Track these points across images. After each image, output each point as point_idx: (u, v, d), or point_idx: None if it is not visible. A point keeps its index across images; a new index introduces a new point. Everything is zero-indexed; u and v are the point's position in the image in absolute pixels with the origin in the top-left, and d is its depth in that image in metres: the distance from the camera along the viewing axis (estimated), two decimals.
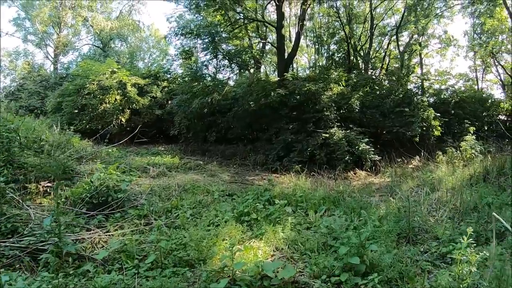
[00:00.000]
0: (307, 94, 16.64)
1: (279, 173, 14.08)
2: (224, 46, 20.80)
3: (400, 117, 17.18)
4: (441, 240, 6.23)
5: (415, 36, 27.37)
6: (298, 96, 16.81)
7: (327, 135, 15.22)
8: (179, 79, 25.30)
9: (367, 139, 15.45)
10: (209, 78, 20.61)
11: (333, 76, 18.70)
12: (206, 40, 18.22)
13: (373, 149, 15.15)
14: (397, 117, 17.24)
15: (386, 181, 12.85)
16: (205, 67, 19.93)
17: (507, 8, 22.55)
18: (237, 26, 21.20)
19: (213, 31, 18.14)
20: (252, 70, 23.49)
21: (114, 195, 8.12)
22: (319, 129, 15.73)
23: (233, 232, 6.66)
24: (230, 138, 19.83)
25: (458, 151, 15.21)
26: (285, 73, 18.26)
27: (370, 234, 6.01)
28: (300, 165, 14.26)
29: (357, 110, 17.04)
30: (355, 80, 19.72)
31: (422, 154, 15.79)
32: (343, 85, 18.48)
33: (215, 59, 20.28)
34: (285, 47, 21.20)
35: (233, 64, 21.09)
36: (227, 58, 20.41)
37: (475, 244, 4.71)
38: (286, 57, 20.59)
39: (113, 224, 7.25)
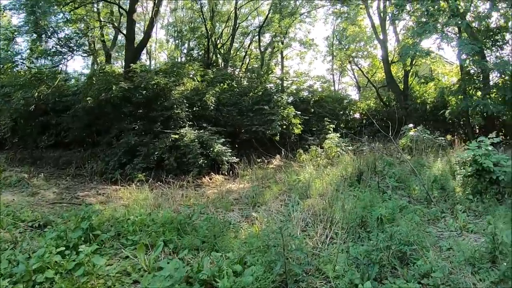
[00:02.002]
0: (155, 89, 13.95)
1: (121, 184, 11.03)
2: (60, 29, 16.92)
3: (259, 115, 15.60)
4: (333, 285, 4.31)
5: (278, 37, 26.68)
6: (144, 91, 13.93)
7: (176, 136, 12.69)
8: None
9: (223, 139, 13.47)
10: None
11: (187, 70, 16.32)
12: (25, 15, 13.98)
13: (230, 150, 13.19)
14: (256, 115, 15.64)
15: (246, 186, 10.71)
16: (30, 52, 15.65)
17: (370, 17, 23.14)
18: (78, 5, 17.47)
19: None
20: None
21: None
22: (168, 129, 13.12)
23: None
24: (67, 143, 16.01)
25: (321, 149, 14.20)
26: (131, 64, 15.26)
27: None
28: (145, 173, 11.60)
29: (212, 107, 14.84)
30: (212, 76, 17.65)
31: (283, 153, 14.42)
32: (198, 81, 16.19)
33: (43, 42, 16.18)
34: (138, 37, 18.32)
35: (70, 51, 17.23)
36: (58, 41, 16.52)
37: None
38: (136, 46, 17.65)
39: None
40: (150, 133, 13.32)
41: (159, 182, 10.73)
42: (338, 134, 14.84)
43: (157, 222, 6.40)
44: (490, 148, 8.22)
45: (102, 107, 14.13)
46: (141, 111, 14.13)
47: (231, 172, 12.72)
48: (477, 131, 17.80)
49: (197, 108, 14.67)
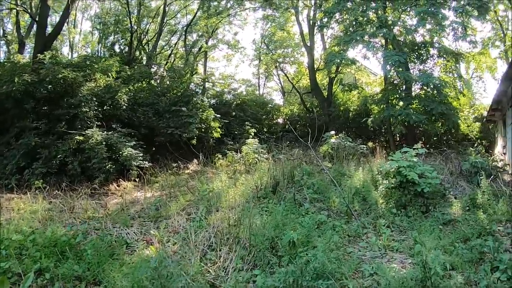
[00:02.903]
0: (63, 84, 12.51)
1: (16, 192, 9.57)
2: None
3: (176, 117, 14.79)
4: None
5: (204, 36, 25.92)
6: (50, 86, 12.41)
7: (82, 138, 11.46)
8: None
9: (135, 142, 12.49)
10: None
11: (102, 64, 15.02)
12: None
13: (141, 154, 12.18)
14: (173, 117, 14.82)
15: (154, 195, 9.83)
16: None
17: (299, 24, 23.66)
18: None
19: None
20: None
21: None
22: (73, 130, 11.81)
23: None
24: None
25: (239, 154, 13.65)
26: (38, 54, 13.76)
27: None
28: (45, 179, 10.29)
29: (125, 107, 13.72)
30: (129, 73, 16.50)
31: (201, 157, 13.78)
32: (113, 77, 14.99)
33: None
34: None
35: None
36: None
37: None
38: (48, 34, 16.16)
39: None
40: (53, 133, 11.92)
41: (57, 191, 9.45)
42: (257, 140, 14.44)
43: (39, 243, 5.52)
44: (415, 159, 8.09)
45: (2, 102, 12.51)
46: (45, 108, 12.59)
47: (142, 178, 11.57)
48: (398, 138, 18.52)
49: (108, 107, 13.47)
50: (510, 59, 23.12)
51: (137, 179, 11.64)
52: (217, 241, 5.80)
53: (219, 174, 11.16)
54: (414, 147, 8.66)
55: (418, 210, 7.45)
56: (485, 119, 19.82)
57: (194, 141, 14.66)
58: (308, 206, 7.78)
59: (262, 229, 6.02)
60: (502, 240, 5.84)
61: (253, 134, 16.59)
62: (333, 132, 14.51)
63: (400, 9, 16.92)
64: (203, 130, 15.28)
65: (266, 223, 6.32)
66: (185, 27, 25.91)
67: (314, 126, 19.14)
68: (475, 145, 14.70)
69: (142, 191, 10.53)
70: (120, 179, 11.50)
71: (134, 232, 6.78)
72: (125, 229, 6.88)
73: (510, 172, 12.03)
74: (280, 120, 23.52)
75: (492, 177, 9.57)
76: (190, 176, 12.32)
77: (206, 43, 26.33)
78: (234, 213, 6.95)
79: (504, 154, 14.84)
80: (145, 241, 6.23)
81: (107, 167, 11.19)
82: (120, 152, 11.66)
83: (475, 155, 12.24)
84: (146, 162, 12.22)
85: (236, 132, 17.61)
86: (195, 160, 14.10)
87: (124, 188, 11.05)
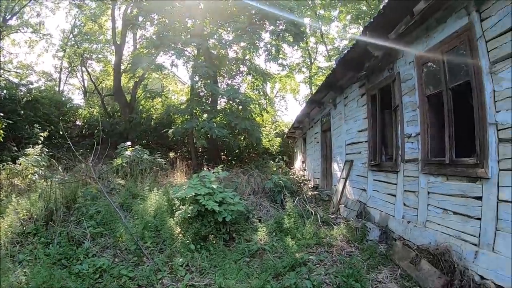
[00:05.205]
0: None
1: None
2: None
3: None
4: None
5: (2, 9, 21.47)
6: None
7: None
8: None
9: None
10: None
11: None
12: None
13: None
14: None
15: None
16: None
17: (113, 19, 21.49)
18: None
19: None
20: None
21: None
22: None
23: None
24: None
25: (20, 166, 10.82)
26: None
27: None
28: None
29: None
30: None
31: None
32: None
33: None
34: None
35: None
36: None
37: None
38: None
39: None
40: None
41: None
42: (38, 149, 11.78)
43: None
44: (214, 186, 7.04)
45: None
46: None
47: None
48: (200, 150, 18.52)
49: None
50: (313, 85, 26.39)
51: None
52: None
53: None
54: (214, 171, 7.92)
55: (220, 242, 6.45)
56: (286, 135, 21.72)
57: None
58: (88, 245, 6.01)
59: None
60: (317, 271, 5.36)
61: (42, 139, 14.10)
62: (129, 143, 13.11)
63: (218, 23, 17.04)
64: None
65: (29, 282, 4.61)
66: None
67: (113, 132, 17.84)
68: (276, 159, 15.46)
69: None
70: None
71: None
72: None
73: (311, 186, 12.76)
74: (78, 123, 21.13)
75: (295, 196, 9.62)
76: None
77: (4, 20, 21.89)
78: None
79: (305, 170, 16.16)
80: None
81: None
82: None
83: (276, 170, 12.75)
84: None
85: (25, 136, 14.83)
86: None
87: None
